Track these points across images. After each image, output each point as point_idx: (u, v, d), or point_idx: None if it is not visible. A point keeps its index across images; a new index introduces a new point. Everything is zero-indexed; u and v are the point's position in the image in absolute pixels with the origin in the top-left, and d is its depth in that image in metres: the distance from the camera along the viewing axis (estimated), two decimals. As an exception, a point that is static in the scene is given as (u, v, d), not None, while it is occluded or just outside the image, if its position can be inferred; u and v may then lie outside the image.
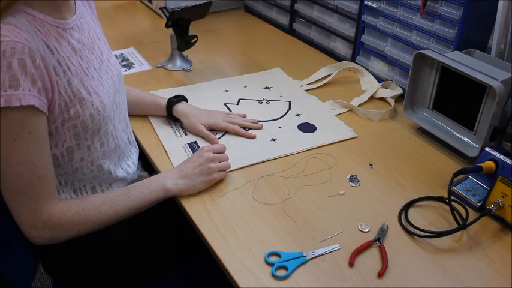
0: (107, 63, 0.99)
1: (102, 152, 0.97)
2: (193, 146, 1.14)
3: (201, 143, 1.15)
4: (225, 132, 1.19)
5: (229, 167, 1.05)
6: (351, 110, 1.31)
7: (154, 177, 1.00)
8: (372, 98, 1.36)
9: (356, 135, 1.19)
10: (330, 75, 1.46)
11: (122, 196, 0.94)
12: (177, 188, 0.98)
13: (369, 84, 1.42)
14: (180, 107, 1.20)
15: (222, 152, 1.06)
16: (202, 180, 0.99)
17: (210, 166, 1.00)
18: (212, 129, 1.18)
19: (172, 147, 1.13)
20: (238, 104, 1.33)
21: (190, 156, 1.08)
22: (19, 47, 0.75)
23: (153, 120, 1.24)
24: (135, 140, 1.15)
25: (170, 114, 1.21)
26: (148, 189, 0.97)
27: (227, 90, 1.40)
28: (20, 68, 0.76)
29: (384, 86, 1.39)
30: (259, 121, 1.25)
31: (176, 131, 1.20)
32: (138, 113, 1.24)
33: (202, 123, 1.17)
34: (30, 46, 0.77)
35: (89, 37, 0.95)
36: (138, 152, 1.15)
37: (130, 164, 1.09)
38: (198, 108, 1.23)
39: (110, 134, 0.98)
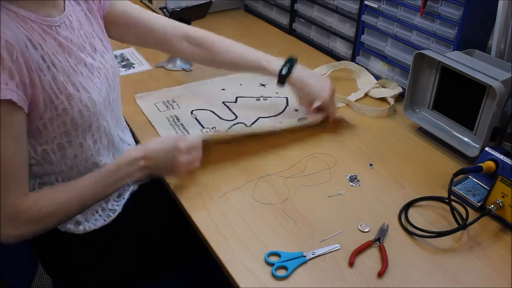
0: (101, 60, 0.98)
1: (96, 149, 0.97)
2: None
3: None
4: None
5: (197, 166, 1.00)
6: (347, 104, 1.31)
7: (120, 161, 0.95)
8: (372, 98, 1.36)
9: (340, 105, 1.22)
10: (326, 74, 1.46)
11: (88, 186, 0.92)
12: (144, 173, 0.96)
13: (367, 84, 1.42)
14: (299, 70, 1.16)
15: (196, 148, 1.01)
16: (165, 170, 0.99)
17: (179, 161, 0.96)
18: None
19: None
20: (236, 102, 1.33)
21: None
22: None
23: (153, 120, 1.23)
24: (131, 136, 1.14)
25: (283, 78, 1.16)
26: (116, 176, 0.94)
27: (223, 89, 1.39)
28: None
29: (382, 85, 1.39)
30: (259, 117, 1.25)
31: (178, 131, 1.20)
32: (239, 71, 1.29)
33: (314, 99, 1.16)
34: (8, 39, 0.76)
35: (79, 35, 0.94)
36: None
37: None
38: (310, 76, 1.18)
39: (103, 130, 0.98)
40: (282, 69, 1.16)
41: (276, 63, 1.17)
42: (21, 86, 0.79)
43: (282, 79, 1.16)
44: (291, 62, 1.17)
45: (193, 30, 1.17)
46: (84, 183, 0.92)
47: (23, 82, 0.79)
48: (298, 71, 1.17)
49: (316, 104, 1.16)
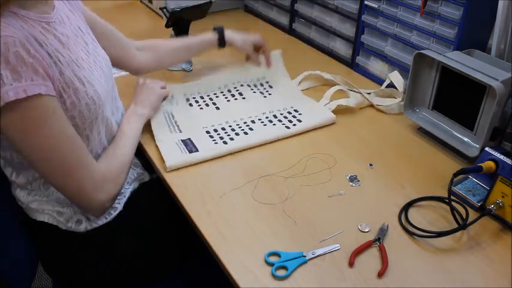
0: (94, 54, 1.00)
1: (99, 139, 0.99)
2: (187, 143, 1.12)
3: (195, 140, 1.13)
4: None
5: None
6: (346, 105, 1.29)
7: (128, 113, 1.11)
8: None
9: (334, 120, 1.23)
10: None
11: (123, 137, 1.04)
12: (148, 112, 1.14)
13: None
14: (228, 31, 1.37)
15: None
16: (154, 99, 1.17)
17: (153, 87, 1.18)
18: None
19: (165, 142, 1.12)
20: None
21: (183, 151, 1.09)
22: (10, 41, 0.76)
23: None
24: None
25: (222, 39, 1.36)
26: (134, 122, 1.09)
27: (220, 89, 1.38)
28: (18, 60, 0.76)
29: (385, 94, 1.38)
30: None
31: (171, 126, 1.18)
32: (188, 57, 1.43)
33: (251, 43, 1.40)
34: (19, 38, 0.77)
35: (71, 29, 0.95)
36: None
37: None
38: (236, 31, 1.40)
39: (106, 121, 1.00)
40: (217, 33, 1.36)
41: (210, 34, 1.36)
42: (46, 77, 0.81)
43: (221, 40, 1.36)
44: (218, 28, 1.37)
45: (139, 42, 1.32)
46: (118, 139, 1.03)
47: (47, 73, 0.81)
48: (228, 31, 1.38)
49: (256, 40, 1.40)
